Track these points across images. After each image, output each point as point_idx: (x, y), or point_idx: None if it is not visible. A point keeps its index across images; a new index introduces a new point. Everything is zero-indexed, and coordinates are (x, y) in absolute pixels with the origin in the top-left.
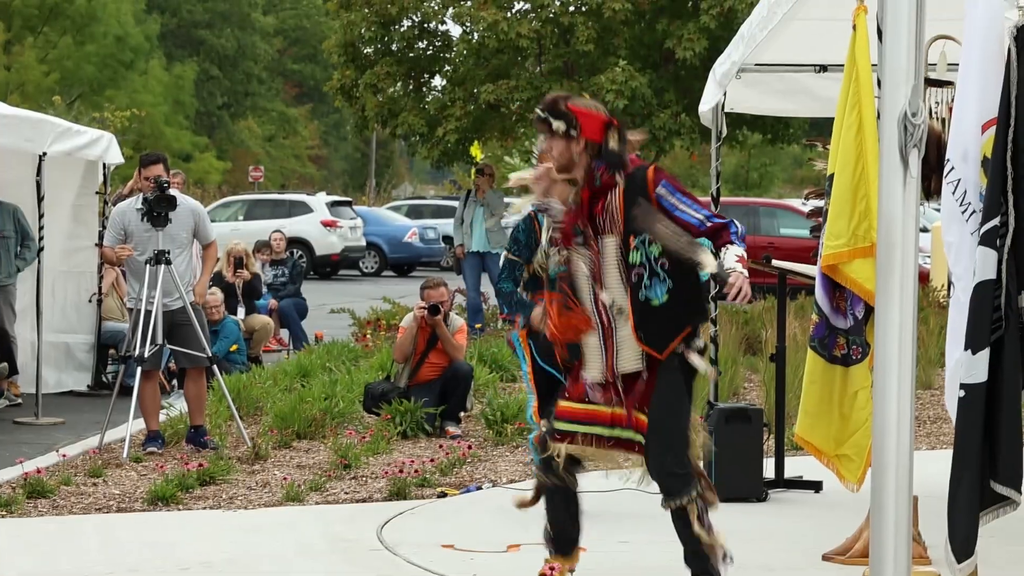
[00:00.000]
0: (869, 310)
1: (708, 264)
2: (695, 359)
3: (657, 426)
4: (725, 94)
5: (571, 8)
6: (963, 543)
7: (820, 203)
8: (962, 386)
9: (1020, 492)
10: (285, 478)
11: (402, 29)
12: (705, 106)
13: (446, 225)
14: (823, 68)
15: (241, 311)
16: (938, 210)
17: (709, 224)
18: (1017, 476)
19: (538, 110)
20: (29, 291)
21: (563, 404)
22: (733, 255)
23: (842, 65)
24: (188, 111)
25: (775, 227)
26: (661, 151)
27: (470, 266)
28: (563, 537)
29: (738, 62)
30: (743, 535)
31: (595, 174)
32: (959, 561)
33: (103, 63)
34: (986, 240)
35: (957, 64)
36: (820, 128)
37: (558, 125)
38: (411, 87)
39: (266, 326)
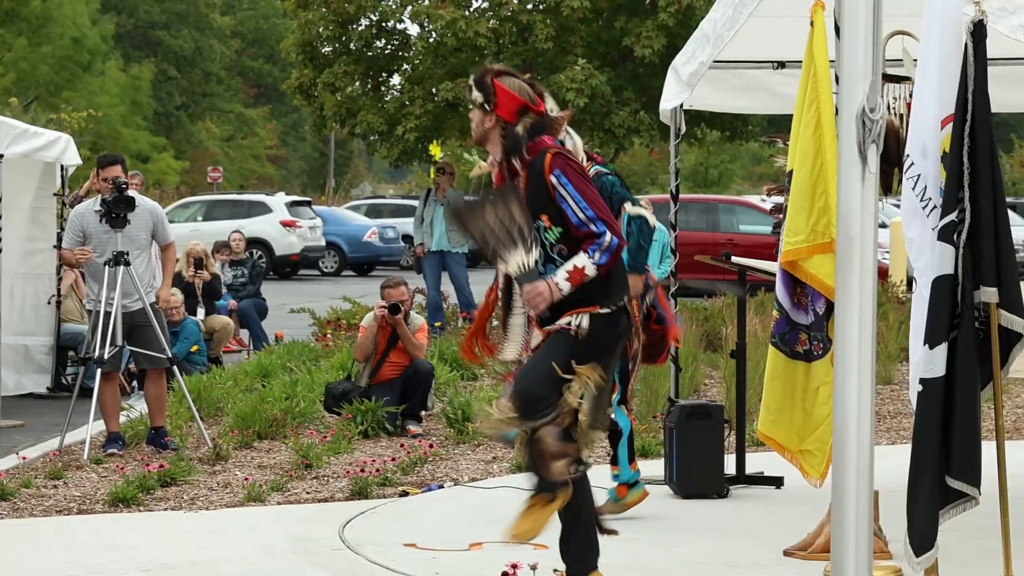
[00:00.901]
0: (830, 306)
1: (509, 267)
2: (574, 319)
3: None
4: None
5: (529, 6)
6: (922, 536)
7: (782, 200)
8: (920, 381)
9: (977, 488)
10: (246, 478)
11: (360, 28)
12: (668, 104)
13: (406, 224)
14: (781, 65)
15: (201, 312)
16: (897, 206)
17: (583, 229)
18: (973, 472)
19: (470, 80)
20: None
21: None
22: (566, 267)
23: (800, 62)
24: (146, 112)
25: (734, 224)
26: (621, 148)
27: (430, 265)
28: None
29: (706, 62)
30: (705, 531)
31: (504, 153)
32: (917, 555)
33: (59, 65)
34: (943, 235)
35: (916, 60)
36: (778, 124)
37: (476, 95)
38: (369, 86)
39: (226, 327)
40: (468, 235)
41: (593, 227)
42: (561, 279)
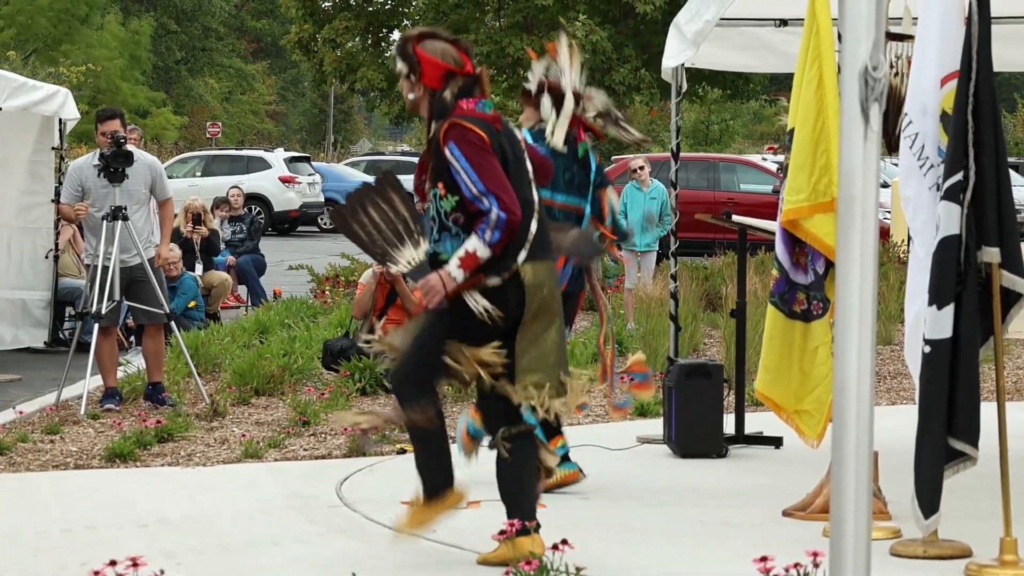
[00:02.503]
0: (829, 265)
1: (400, 265)
2: (469, 299)
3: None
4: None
5: None
6: (929, 499)
7: (784, 159)
8: (927, 341)
9: (976, 448)
10: (244, 435)
11: None
12: (670, 62)
13: (405, 181)
14: (783, 22)
15: (199, 267)
16: (897, 165)
17: (474, 204)
18: (972, 432)
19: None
20: None
21: None
22: (458, 253)
23: (802, 19)
24: (145, 66)
25: (735, 182)
26: (621, 106)
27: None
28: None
29: (712, 20)
30: (703, 491)
31: (428, 121)
32: (926, 517)
33: (57, 18)
34: (949, 195)
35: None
36: (780, 83)
37: (400, 66)
38: (370, 41)
39: (224, 282)
40: (354, 238)
41: (482, 203)
42: (454, 267)
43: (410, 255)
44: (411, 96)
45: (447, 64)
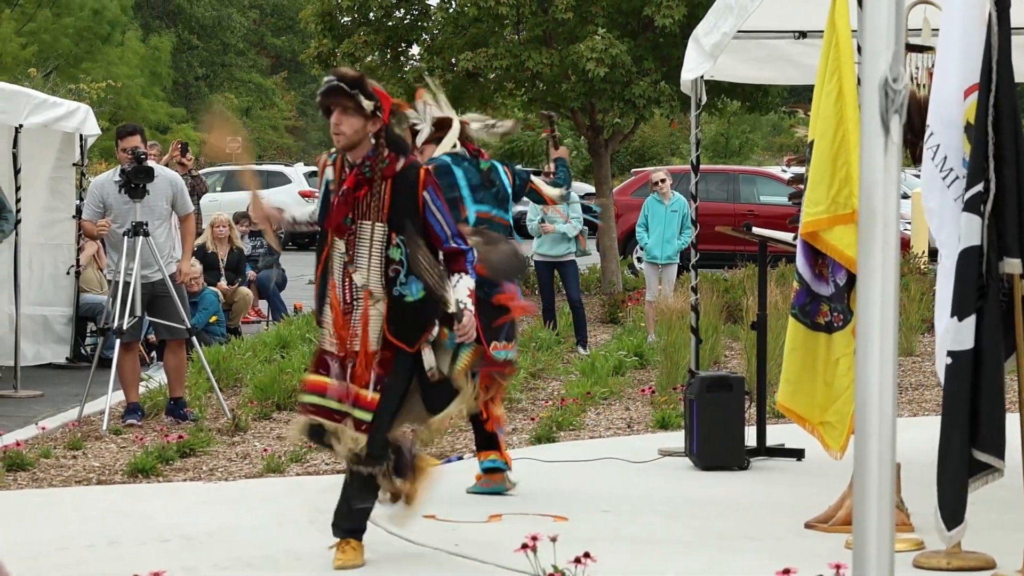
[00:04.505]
0: (851, 277)
1: (450, 304)
2: (425, 353)
3: (378, 407)
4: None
5: None
6: (952, 510)
7: (801, 170)
8: (949, 353)
9: (1003, 459)
10: (265, 449)
11: None
12: (689, 74)
13: None
14: (803, 35)
15: (223, 282)
16: (918, 176)
17: (450, 245)
18: (998, 444)
19: (343, 85)
20: (6, 263)
21: (309, 377)
22: (465, 288)
23: (822, 31)
24: (165, 83)
25: (755, 195)
26: (641, 119)
27: None
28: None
29: (729, 33)
30: (725, 504)
31: (376, 158)
32: (949, 528)
33: (80, 36)
34: (971, 206)
35: (938, 29)
36: (798, 95)
37: (366, 104)
38: (389, 56)
39: (245, 297)
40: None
41: (459, 243)
42: (470, 304)
43: (452, 298)
44: (362, 133)
45: (391, 98)
